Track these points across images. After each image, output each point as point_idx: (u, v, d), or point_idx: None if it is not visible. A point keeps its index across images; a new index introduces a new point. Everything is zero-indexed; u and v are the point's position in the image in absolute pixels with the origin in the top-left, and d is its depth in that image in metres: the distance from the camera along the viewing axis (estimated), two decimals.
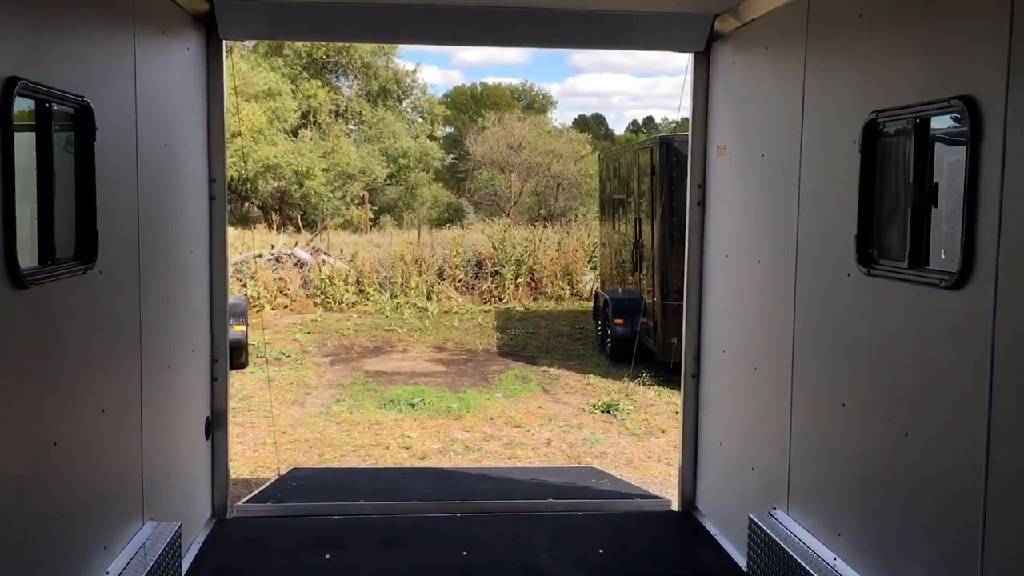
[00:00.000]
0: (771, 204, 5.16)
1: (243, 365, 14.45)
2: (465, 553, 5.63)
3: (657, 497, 6.95)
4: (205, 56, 5.82)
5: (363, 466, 9.46)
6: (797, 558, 4.38)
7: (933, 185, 3.67)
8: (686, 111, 6.49)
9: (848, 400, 4.19)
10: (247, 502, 6.61)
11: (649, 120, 70.24)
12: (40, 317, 3.40)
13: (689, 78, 6.33)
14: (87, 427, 3.83)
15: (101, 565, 3.96)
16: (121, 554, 4.19)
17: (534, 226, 26.85)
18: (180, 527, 4.69)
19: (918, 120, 3.72)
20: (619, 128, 74.02)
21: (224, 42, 5.93)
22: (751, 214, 5.50)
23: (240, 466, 9.30)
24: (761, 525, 4.83)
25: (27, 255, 3.37)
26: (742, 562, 5.47)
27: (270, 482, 7.44)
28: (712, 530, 6.06)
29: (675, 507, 6.63)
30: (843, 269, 4.19)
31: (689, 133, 6.36)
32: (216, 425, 6.13)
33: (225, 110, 6.01)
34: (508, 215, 39.13)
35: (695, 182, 6.28)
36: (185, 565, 5.26)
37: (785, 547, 4.52)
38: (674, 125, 14.32)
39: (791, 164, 4.79)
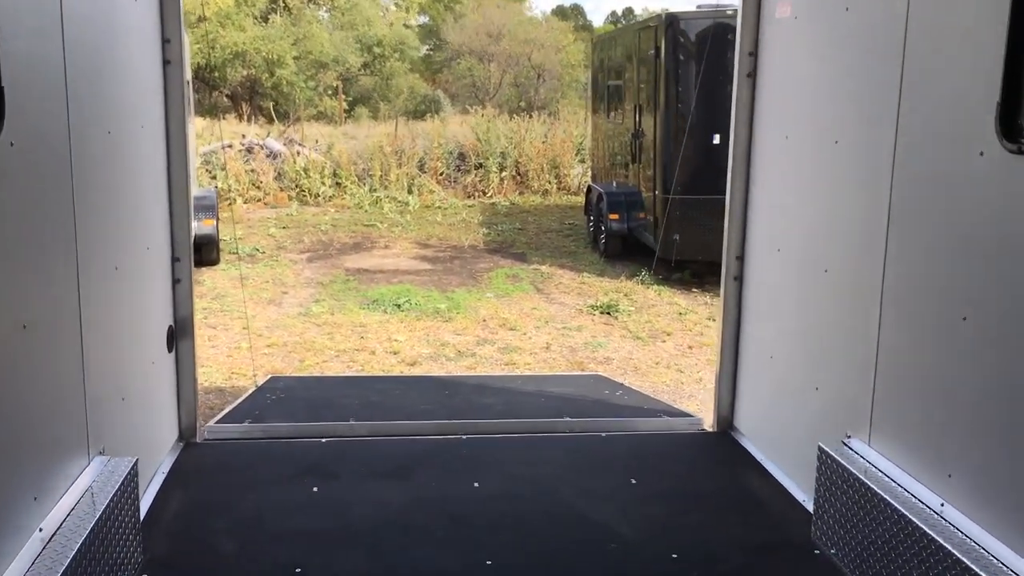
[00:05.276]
0: (857, 66, 4.18)
1: (214, 262, 13.50)
2: (476, 484, 4.81)
3: (687, 414, 6.15)
4: None
5: (349, 374, 8.62)
6: (889, 499, 3.59)
7: None
8: None
9: (971, 313, 3.33)
10: (220, 421, 5.73)
11: (629, 11, 67.74)
12: None
13: None
14: None
15: (31, 522, 3.09)
16: (60, 503, 3.33)
17: (517, 117, 25.55)
18: (136, 462, 3.82)
19: None
20: (597, 20, 71.54)
21: None
22: (826, 83, 4.52)
23: (213, 373, 8.43)
24: (836, 456, 4.03)
25: None
26: (795, 491, 4.73)
27: (246, 395, 6.57)
28: (756, 454, 5.28)
29: (708, 426, 5.86)
30: (974, 147, 3.27)
31: None
32: (180, 335, 5.22)
33: None
34: (487, 107, 37.71)
35: (745, 50, 5.28)
36: (147, 502, 4.42)
37: (871, 484, 3.73)
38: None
39: (892, 9, 3.79)
